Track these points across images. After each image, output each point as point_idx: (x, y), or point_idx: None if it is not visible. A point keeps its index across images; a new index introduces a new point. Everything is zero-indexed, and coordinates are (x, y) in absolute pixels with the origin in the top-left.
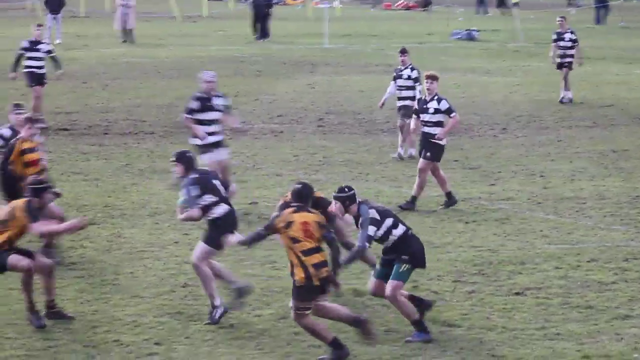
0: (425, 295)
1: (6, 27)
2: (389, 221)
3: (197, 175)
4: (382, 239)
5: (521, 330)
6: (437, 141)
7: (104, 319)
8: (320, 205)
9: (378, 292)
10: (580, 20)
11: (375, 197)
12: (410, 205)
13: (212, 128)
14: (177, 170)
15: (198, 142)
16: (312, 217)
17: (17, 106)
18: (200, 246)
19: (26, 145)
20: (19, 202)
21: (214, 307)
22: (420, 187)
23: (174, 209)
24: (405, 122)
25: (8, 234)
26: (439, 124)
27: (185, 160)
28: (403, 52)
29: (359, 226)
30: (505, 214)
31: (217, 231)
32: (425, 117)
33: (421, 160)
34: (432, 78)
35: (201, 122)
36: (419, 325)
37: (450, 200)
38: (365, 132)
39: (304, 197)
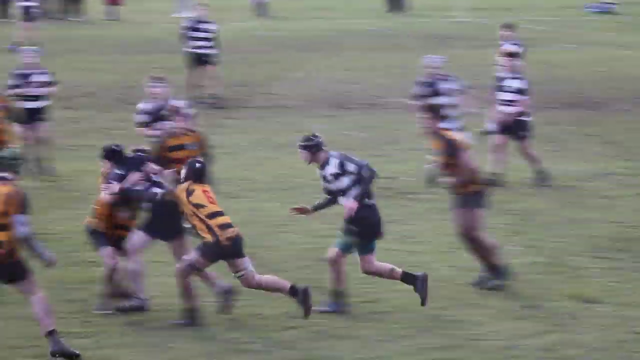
0: (564, 270)
1: (141, 1)
2: (346, 179)
3: (122, 172)
4: (331, 193)
5: None
6: (524, 118)
7: (244, 291)
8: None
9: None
10: None
11: (512, 171)
12: (543, 181)
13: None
14: (105, 165)
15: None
16: (208, 187)
17: (154, 79)
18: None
19: (173, 142)
20: None
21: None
22: (534, 160)
23: (310, 182)
24: None
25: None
26: (517, 103)
27: (112, 155)
28: (506, 27)
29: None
30: None
31: (152, 217)
32: (505, 95)
33: (521, 144)
34: (512, 55)
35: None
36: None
37: (494, 181)
38: None
39: (202, 174)
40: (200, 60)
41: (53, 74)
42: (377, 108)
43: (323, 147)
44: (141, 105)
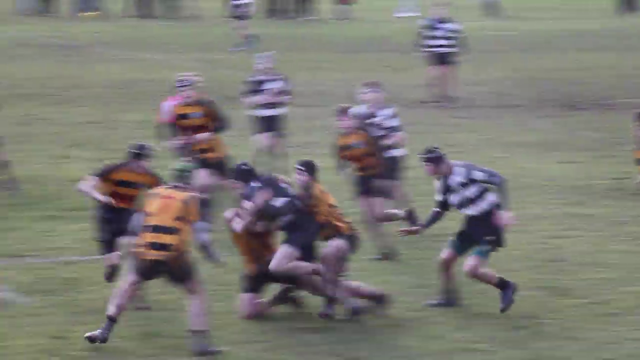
0: None
1: (371, 0)
2: (474, 187)
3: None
4: (460, 205)
5: None
6: None
7: (474, 291)
8: None
9: (449, 264)
10: None
11: None
12: None
13: None
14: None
15: None
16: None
17: (366, 85)
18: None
19: (342, 141)
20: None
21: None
22: None
23: (538, 182)
24: None
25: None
26: None
27: (241, 175)
28: None
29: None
30: None
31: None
32: None
33: None
34: None
35: None
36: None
37: None
38: None
39: (316, 170)
40: (441, 59)
41: (288, 82)
42: (607, 109)
43: (445, 158)
44: (353, 110)
